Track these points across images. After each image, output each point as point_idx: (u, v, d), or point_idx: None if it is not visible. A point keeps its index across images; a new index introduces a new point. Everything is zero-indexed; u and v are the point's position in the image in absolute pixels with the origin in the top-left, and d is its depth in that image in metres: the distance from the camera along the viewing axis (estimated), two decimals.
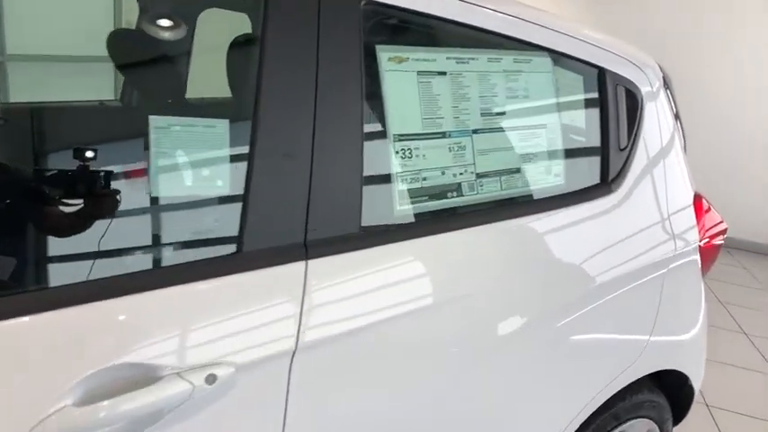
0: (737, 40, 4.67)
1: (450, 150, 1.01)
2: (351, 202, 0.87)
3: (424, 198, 0.97)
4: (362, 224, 0.88)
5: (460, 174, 1.02)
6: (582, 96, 1.24)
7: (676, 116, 1.49)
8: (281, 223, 0.81)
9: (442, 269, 0.95)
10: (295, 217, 0.82)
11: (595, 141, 1.24)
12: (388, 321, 0.87)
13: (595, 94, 1.25)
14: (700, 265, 1.43)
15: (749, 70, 4.68)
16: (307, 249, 0.82)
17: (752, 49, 4.65)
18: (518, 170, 1.10)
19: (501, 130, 1.08)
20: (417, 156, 0.97)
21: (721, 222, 1.57)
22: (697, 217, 1.44)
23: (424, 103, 0.98)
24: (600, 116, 1.24)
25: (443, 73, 1.01)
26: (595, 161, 1.24)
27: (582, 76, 1.25)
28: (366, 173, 0.90)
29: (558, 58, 1.17)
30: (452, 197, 1.01)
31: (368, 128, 0.89)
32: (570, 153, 1.20)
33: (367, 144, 0.90)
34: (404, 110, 0.96)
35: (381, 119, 0.93)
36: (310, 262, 0.82)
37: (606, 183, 1.23)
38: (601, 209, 1.20)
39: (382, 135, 0.93)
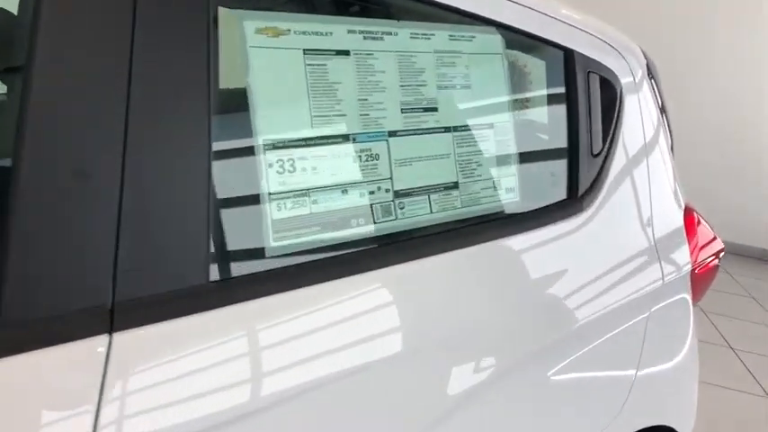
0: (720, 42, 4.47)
1: (356, 160, 0.72)
2: (191, 241, 0.58)
3: (314, 229, 0.68)
4: (211, 274, 0.59)
5: (371, 193, 0.74)
6: (543, 87, 0.97)
7: (662, 111, 1.23)
8: (70, 276, 0.52)
9: (336, 332, 0.66)
10: (93, 266, 0.53)
11: (561, 145, 0.97)
12: (241, 422, 0.58)
13: (561, 85, 0.97)
14: (690, 299, 1.17)
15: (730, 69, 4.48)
16: (113, 317, 0.53)
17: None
18: (454, 186, 0.82)
19: (430, 131, 0.80)
20: (304, 169, 0.68)
21: (715, 240, 1.31)
22: (689, 236, 1.18)
23: (315, 94, 0.69)
24: (567, 113, 0.97)
25: (345, 53, 0.72)
26: (561, 171, 0.96)
27: (544, 62, 0.98)
28: (218, 196, 0.61)
29: (512, 36, 0.89)
30: (358, 226, 0.72)
31: (220, 131, 0.61)
32: (527, 161, 0.92)
33: (219, 154, 0.61)
34: (282, 105, 0.67)
35: (244, 118, 0.64)
36: (117, 336, 0.53)
37: (575, 198, 0.96)
38: (568, 233, 0.93)
39: (246, 141, 0.64)
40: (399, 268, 0.72)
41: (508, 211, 0.88)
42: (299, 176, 0.67)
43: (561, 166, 0.96)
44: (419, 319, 0.73)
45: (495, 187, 0.87)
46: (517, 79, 0.91)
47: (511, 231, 0.85)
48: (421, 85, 0.79)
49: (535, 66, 0.95)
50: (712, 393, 2.54)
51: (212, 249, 0.59)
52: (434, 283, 0.75)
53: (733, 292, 3.86)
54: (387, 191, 0.75)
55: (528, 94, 0.95)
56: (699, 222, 1.25)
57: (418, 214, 0.78)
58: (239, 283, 0.62)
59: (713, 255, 1.26)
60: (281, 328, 0.62)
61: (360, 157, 0.73)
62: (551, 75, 0.98)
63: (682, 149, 4.45)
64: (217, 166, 0.60)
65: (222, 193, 0.61)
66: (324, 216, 0.69)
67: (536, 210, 0.92)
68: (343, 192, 0.71)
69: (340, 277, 0.67)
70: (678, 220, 1.15)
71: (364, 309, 0.69)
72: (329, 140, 0.70)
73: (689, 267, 1.15)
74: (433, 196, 0.79)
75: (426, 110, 0.79)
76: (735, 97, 4.51)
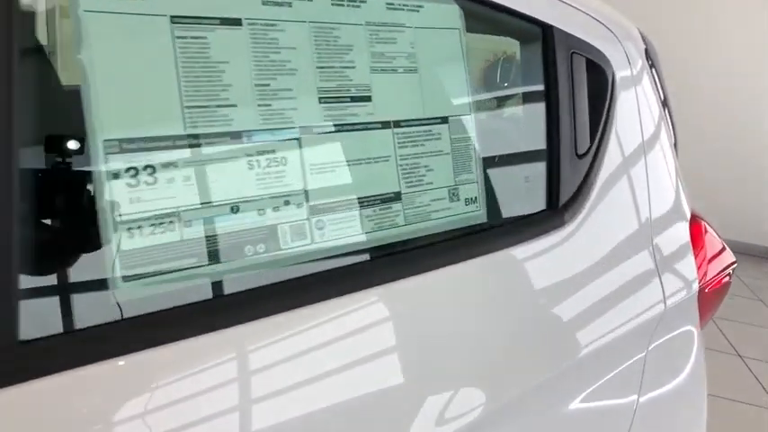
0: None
1: (253, 167, 0.54)
2: None
3: (185, 262, 0.50)
4: (21, 333, 0.41)
5: (275, 210, 0.55)
6: (514, 72, 0.78)
7: (664, 103, 1.04)
8: None
9: (225, 395, 0.48)
10: None
11: (537, 144, 0.78)
12: None
13: (538, 69, 0.78)
14: (698, 327, 0.98)
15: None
16: None
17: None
18: (395, 197, 0.64)
19: (361, 127, 0.61)
20: (170, 181, 0.49)
21: (724, 251, 1.12)
22: (696, 249, 0.99)
23: (189, 78, 0.51)
24: (545, 104, 0.78)
25: (235, 22, 0.54)
26: (537, 176, 0.78)
27: (517, 41, 0.79)
28: (32, 217, 0.43)
29: (473, 6, 0.71)
30: (256, 255, 0.54)
31: (35, 129, 0.43)
32: (493, 165, 0.74)
33: (31, 160, 0.43)
34: (135, 92, 0.48)
35: (75, 110, 0.46)
36: None
37: (555, 209, 0.77)
38: (544, 253, 0.74)
39: (76, 142, 0.46)
40: (311, 310, 0.54)
41: (468, 228, 0.70)
42: (162, 190, 0.49)
43: (537, 169, 0.78)
44: (344, 383, 0.55)
45: (450, 198, 0.68)
46: (480, 62, 0.73)
47: (470, 254, 0.66)
48: (347, 68, 0.60)
49: (504, 45, 0.77)
50: (719, 407, 2.36)
51: (20, 294, 0.41)
52: (362, 328, 0.57)
53: (739, 294, 3.67)
54: (298, 206, 0.57)
55: (495, 81, 0.76)
56: (706, 231, 1.06)
57: (344, 236, 0.59)
58: (66, 344, 0.44)
59: (724, 269, 1.07)
60: (125, 405, 0.44)
61: (257, 162, 0.54)
62: (525, 56, 0.80)
63: (680, 141, 4.27)
64: (27, 176, 0.42)
65: (41, 212, 0.43)
66: (201, 244, 0.51)
67: (504, 225, 0.74)
68: (233, 210, 0.53)
69: (225, 327, 0.49)
70: (683, 231, 0.97)
71: (262, 360, 0.51)
72: (210, 141, 0.52)
73: (696, 287, 0.96)
74: (365, 212, 0.61)
75: (356, 99, 0.61)
76: (740, 90, 4.30)
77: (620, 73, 0.87)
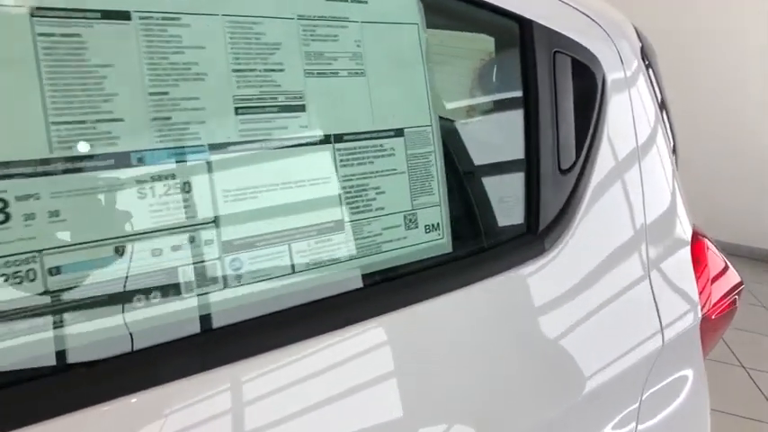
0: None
1: (145, 196, 0.44)
2: None
3: (47, 321, 0.39)
4: None
5: (174, 249, 0.45)
6: (486, 74, 0.67)
7: (662, 107, 0.93)
8: None
9: None
10: None
11: (514, 159, 0.67)
12: None
13: (515, 72, 0.67)
14: (701, 366, 0.87)
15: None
16: None
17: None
18: (336, 227, 0.53)
19: (292, 143, 0.51)
20: (28, 217, 0.39)
21: (728, 270, 1.01)
22: (698, 271, 0.89)
23: (56, 86, 0.40)
24: (525, 113, 0.67)
25: (121, 15, 0.43)
26: (514, 196, 0.67)
27: (490, 38, 0.68)
28: None
29: None
30: (150, 306, 0.43)
31: None
32: (460, 184, 0.63)
33: None
34: None
35: None
36: None
37: (534, 234, 0.66)
38: (521, 285, 0.63)
39: None
40: (228, 373, 0.43)
41: (428, 260, 0.59)
42: (17, 230, 0.38)
43: (514, 188, 0.67)
44: None
45: (406, 225, 0.57)
46: (444, 62, 0.62)
47: (429, 292, 0.56)
48: (273, 70, 0.50)
49: (475, 44, 0.66)
50: (723, 423, 2.25)
51: None
52: (294, 394, 0.46)
53: (744, 301, 3.55)
54: (208, 243, 0.46)
55: (462, 85, 0.65)
56: (708, 249, 0.95)
57: (269, 277, 0.49)
58: None
59: (729, 292, 0.96)
60: None
61: (152, 189, 0.43)
62: (500, 56, 0.69)
63: (681, 144, 4.16)
64: None
65: None
66: (73, 294, 0.40)
67: (473, 255, 0.63)
68: (117, 251, 0.42)
69: (107, 401, 0.38)
70: (684, 253, 0.86)
71: None
72: (87, 164, 0.41)
73: (699, 316, 0.85)
74: (296, 246, 0.50)
75: (284, 109, 0.50)
76: (742, 88, 4.18)
77: (612, 75, 0.76)
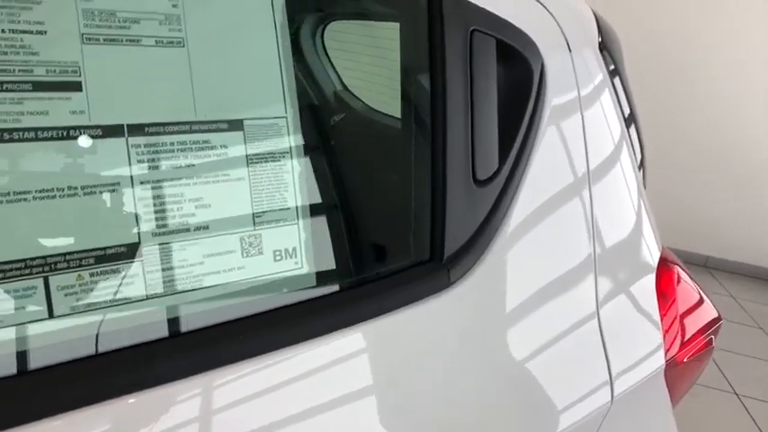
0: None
1: None
2: None
3: None
4: None
5: None
6: (379, 59, 0.53)
7: (629, 116, 0.79)
8: None
9: None
10: None
11: (411, 164, 0.53)
12: None
13: (416, 52, 0.53)
14: (670, 420, 0.72)
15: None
16: None
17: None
18: (128, 253, 0.38)
19: (60, 135, 0.36)
20: None
21: (702, 304, 0.85)
22: (664, 306, 0.73)
23: None
24: (431, 107, 0.52)
25: None
26: (414, 212, 0.52)
27: (382, 7, 0.54)
28: None
29: None
30: None
31: None
32: (332, 197, 0.48)
33: None
34: None
35: None
36: None
37: (438, 261, 0.51)
38: (414, 330, 0.49)
39: None
40: None
41: (276, 298, 0.44)
42: None
43: (411, 202, 0.52)
44: None
45: (244, 251, 0.43)
46: (311, 42, 0.47)
47: (272, 343, 0.41)
48: (28, 32, 0.35)
49: (358, 24, 0.51)
50: None
51: None
52: None
53: (738, 321, 3.39)
54: None
55: (342, 71, 0.51)
56: (679, 280, 0.80)
57: (10, 324, 0.34)
58: None
59: (703, 330, 0.81)
60: None
61: None
62: (407, 39, 0.54)
63: (674, 160, 3.98)
64: None
65: None
66: None
67: (347, 289, 0.48)
68: None
69: None
70: (647, 285, 0.71)
71: None
72: None
73: (662, 362, 0.70)
74: (60, 280, 0.36)
75: (48, 87, 0.36)
76: (744, 98, 4.03)
77: (554, 64, 0.61)
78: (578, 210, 0.62)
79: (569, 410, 0.56)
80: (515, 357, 0.54)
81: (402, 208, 0.52)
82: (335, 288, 0.47)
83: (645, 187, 0.79)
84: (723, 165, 4.07)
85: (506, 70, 0.58)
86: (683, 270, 0.84)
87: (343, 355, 0.45)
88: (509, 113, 0.57)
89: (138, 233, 0.38)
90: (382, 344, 0.47)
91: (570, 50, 0.64)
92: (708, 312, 0.82)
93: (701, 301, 0.83)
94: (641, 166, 0.77)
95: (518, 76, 0.58)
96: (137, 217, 0.38)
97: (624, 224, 0.69)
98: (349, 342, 0.45)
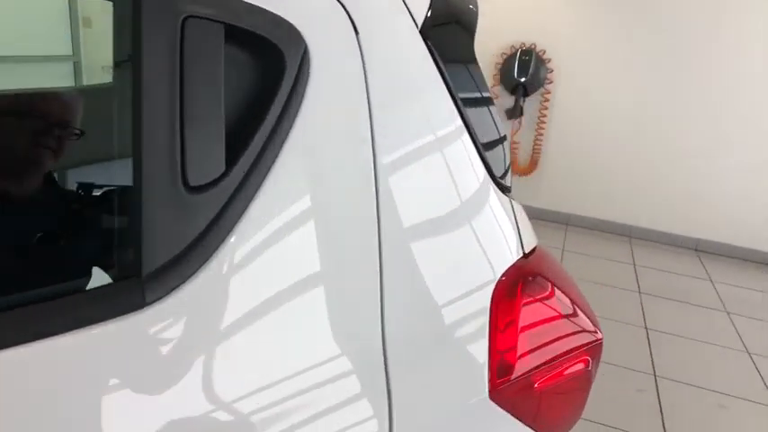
0: None
1: None
2: None
3: None
4: None
5: None
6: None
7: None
8: None
9: None
10: None
11: (112, 160, 0.47)
12: None
13: (121, 44, 0.47)
14: None
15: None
16: None
17: None
18: None
19: None
20: None
21: (575, 322, 0.73)
22: (503, 324, 0.64)
23: None
24: (133, 104, 0.47)
25: None
26: (99, 221, 0.47)
27: None
28: None
29: None
30: None
31: None
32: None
33: None
34: None
35: None
36: None
37: (137, 278, 0.46)
38: (91, 358, 0.43)
39: None
40: None
41: None
42: None
43: (103, 209, 0.47)
44: None
45: None
46: None
47: None
48: None
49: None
50: None
51: None
52: None
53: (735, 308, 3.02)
54: None
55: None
56: (551, 295, 0.70)
57: None
58: None
59: (573, 350, 0.70)
60: None
61: None
62: (115, 22, 0.48)
63: (712, 149, 3.60)
64: None
65: None
66: None
67: (16, 307, 0.43)
68: None
69: None
70: (476, 300, 0.61)
71: None
72: None
73: (482, 391, 0.61)
74: None
75: None
76: None
77: (327, 49, 0.53)
78: (355, 215, 0.54)
79: None
80: (229, 403, 0.48)
81: (92, 212, 0.46)
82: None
83: (502, 191, 0.69)
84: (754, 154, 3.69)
85: (251, 59, 0.51)
86: (566, 284, 0.74)
87: None
88: (252, 108, 0.50)
89: None
90: (42, 370, 0.42)
91: (357, 32, 0.56)
92: (584, 334, 0.71)
93: (573, 320, 0.72)
94: (488, 168, 0.66)
95: (267, 64, 0.51)
96: None
97: (438, 229, 0.60)
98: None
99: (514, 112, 3.90)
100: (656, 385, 2.29)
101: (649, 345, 2.59)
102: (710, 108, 3.55)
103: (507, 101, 3.92)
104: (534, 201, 4.08)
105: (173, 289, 0.46)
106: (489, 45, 3.89)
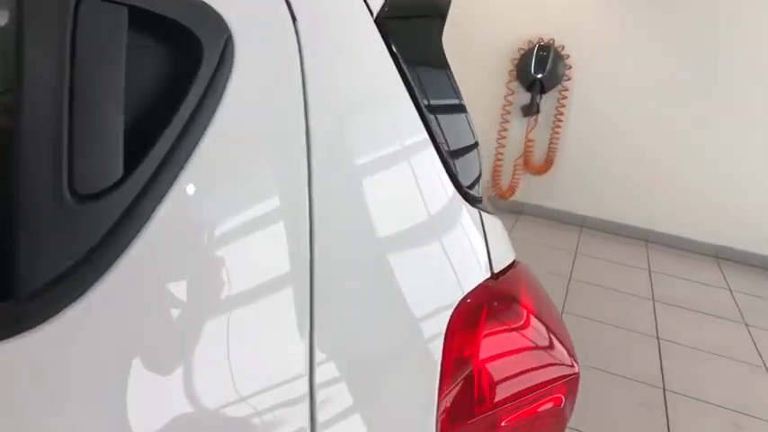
0: None
1: None
2: None
3: None
4: None
5: None
6: None
7: (423, 109, 0.61)
8: None
9: None
10: None
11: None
12: None
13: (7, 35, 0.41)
14: None
15: None
16: None
17: None
18: None
19: None
20: None
21: (550, 354, 0.65)
22: (448, 359, 0.56)
23: None
24: (15, 98, 0.40)
25: None
26: None
27: None
28: None
29: None
30: None
31: None
32: None
33: None
34: None
35: None
36: None
37: (16, 298, 0.40)
38: None
39: None
40: None
41: None
42: None
43: None
44: None
45: None
46: None
47: None
48: None
49: None
50: None
51: None
52: None
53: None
54: None
55: None
56: (526, 324, 0.62)
57: None
58: None
59: (545, 384, 0.62)
60: None
61: None
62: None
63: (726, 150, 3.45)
64: None
65: None
66: None
67: None
68: None
69: None
70: (434, 327, 0.54)
71: None
72: None
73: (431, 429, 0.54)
74: None
75: None
76: None
77: (256, 38, 0.47)
78: (284, 228, 0.48)
79: None
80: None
81: None
82: None
83: (472, 200, 0.61)
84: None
85: (162, 47, 0.44)
86: (543, 308, 0.66)
87: None
88: (161, 105, 0.44)
89: None
90: None
91: (295, 20, 0.49)
92: (558, 367, 0.64)
93: (548, 351, 0.64)
94: (451, 173, 0.58)
95: (181, 54, 0.45)
96: None
97: (381, 247, 0.53)
98: None
99: (530, 110, 3.79)
100: (665, 399, 2.18)
101: (660, 355, 2.48)
102: (735, 111, 3.40)
103: (523, 97, 3.81)
104: (548, 201, 3.97)
105: (57, 311, 0.40)
106: (506, 40, 3.78)
